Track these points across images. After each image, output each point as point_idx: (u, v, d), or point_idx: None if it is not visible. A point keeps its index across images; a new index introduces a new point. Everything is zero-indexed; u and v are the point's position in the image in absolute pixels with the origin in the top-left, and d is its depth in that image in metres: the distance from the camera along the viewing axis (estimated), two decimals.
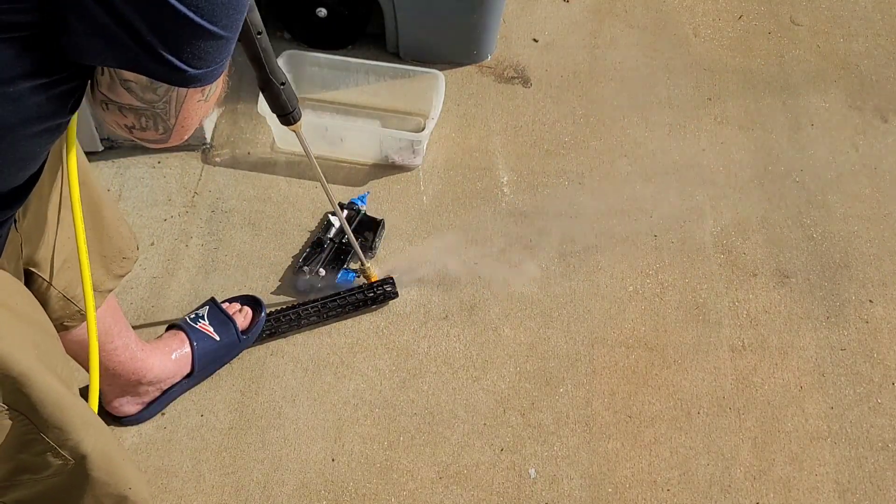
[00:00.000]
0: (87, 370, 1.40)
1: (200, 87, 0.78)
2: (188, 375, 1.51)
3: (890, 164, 1.98)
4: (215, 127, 1.95)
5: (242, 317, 1.59)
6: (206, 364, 1.53)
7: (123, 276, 1.27)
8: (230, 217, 1.81)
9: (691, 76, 2.14)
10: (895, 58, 2.22)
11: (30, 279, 1.06)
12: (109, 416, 1.49)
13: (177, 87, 0.78)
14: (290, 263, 1.73)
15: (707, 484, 1.49)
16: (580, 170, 1.93)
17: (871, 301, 1.74)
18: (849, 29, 2.28)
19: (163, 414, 1.52)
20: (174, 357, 1.49)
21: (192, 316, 1.56)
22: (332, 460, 1.49)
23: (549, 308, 1.70)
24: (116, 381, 1.42)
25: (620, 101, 2.07)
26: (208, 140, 1.92)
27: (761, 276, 1.77)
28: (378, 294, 1.65)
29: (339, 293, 1.66)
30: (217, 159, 1.90)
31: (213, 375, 1.57)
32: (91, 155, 1.87)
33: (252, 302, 1.62)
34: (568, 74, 2.12)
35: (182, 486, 1.45)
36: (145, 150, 1.89)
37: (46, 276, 1.07)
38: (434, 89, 1.90)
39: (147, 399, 1.49)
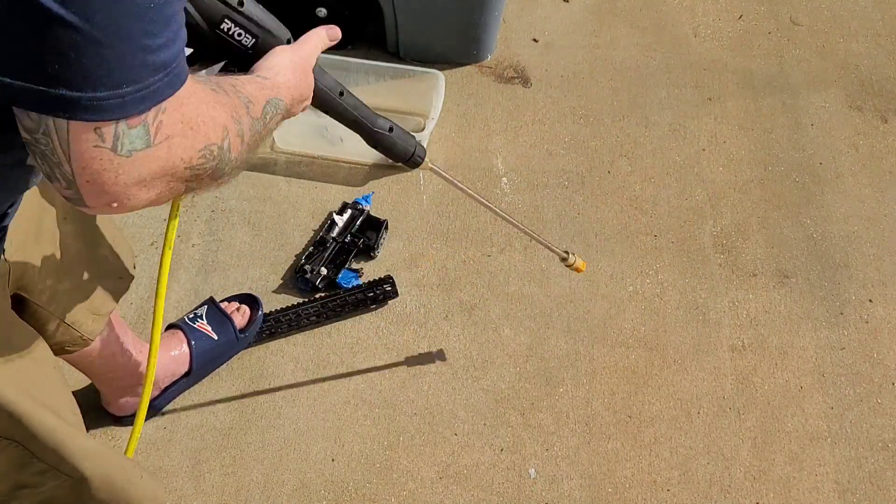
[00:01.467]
0: (93, 381, 1.40)
1: (87, 120, 0.58)
2: (187, 374, 1.52)
3: (890, 164, 1.98)
4: None
5: (241, 315, 1.59)
6: (204, 363, 1.54)
7: (122, 296, 1.24)
8: (230, 217, 1.81)
9: (691, 76, 2.14)
10: (895, 58, 2.22)
11: (25, 305, 1.04)
12: (110, 416, 1.49)
13: (45, 115, 0.58)
14: (290, 263, 1.73)
15: (707, 484, 1.49)
16: (580, 170, 1.93)
17: (871, 301, 1.74)
18: (849, 29, 2.28)
19: (163, 414, 1.52)
20: (172, 355, 1.49)
21: (191, 316, 1.57)
22: (332, 460, 1.49)
23: (549, 308, 1.70)
24: (116, 382, 1.42)
25: (620, 101, 2.07)
26: None
27: (761, 276, 1.77)
28: (378, 294, 1.65)
29: (338, 293, 1.66)
30: None
31: (213, 375, 1.57)
32: None
33: (249, 300, 1.63)
34: (568, 74, 2.12)
35: (182, 486, 1.45)
36: None
37: (42, 303, 1.05)
38: (434, 89, 1.90)
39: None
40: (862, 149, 2.01)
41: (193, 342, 1.51)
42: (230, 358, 1.59)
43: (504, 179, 1.90)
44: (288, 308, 1.63)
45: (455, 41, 2.07)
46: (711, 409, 1.58)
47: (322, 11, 2.00)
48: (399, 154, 1.23)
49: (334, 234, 1.75)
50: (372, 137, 1.19)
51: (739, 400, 1.59)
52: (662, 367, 1.63)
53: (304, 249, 1.75)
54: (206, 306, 1.59)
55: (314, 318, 1.63)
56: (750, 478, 1.50)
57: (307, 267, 1.69)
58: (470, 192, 1.37)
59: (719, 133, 2.02)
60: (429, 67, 1.98)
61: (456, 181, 1.34)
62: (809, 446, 1.54)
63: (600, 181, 1.91)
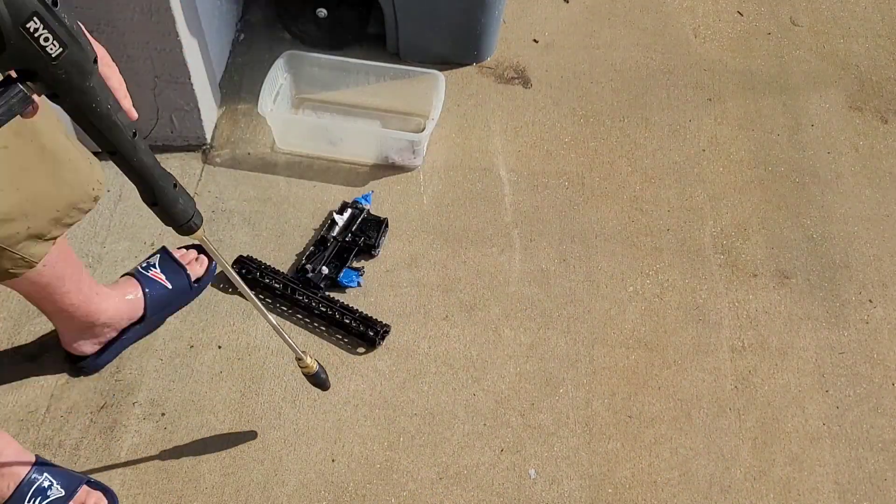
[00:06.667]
0: (42, 310, 1.41)
1: None
2: (141, 319, 1.56)
3: (890, 164, 1.98)
4: (215, 127, 1.95)
5: (198, 265, 1.65)
6: (157, 309, 1.59)
7: (72, 225, 1.20)
8: (230, 217, 1.81)
9: (691, 76, 2.14)
10: (895, 58, 2.22)
11: None
12: (70, 358, 1.53)
13: None
14: (291, 263, 1.73)
15: (707, 484, 1.49)
16: (580, 170, 1.93)
17: (870, 301, 1.74)
18: (849, 29, 2.28)
19: (163, 414, 1.52)
20: (128, 299, 1.54)
21: (144, 265, 1.61)
22: (332, 461, 1.49)
23: (549, 308, 1.70)
24: (72, 322, 1.45)
25: (620, 101, 2.07)
26: (208, 140, 1.92)
27: (761, 277, 1.77)
28: (367, 332, 1.61)
29: (336, 303, 1.64)
30: (217, 159, 1.90)
31: (214, 376, 1.57)
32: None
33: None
34: (568, 75, 2.12)
35: (182, 487, 1.45)
36: None
37: None
38: (434, 90, 1.90)
39: (104, 339, 1.53)
40: (862, 149, 2.01)
41: (147, 290, 1.56)
42: (184, 305, 1.64)
43: (504, 179, 1.90)
44: (288, 279, 1.68)
45: (455, 42, 2.07)
46: (711, 409, 1.58)
47: (322, 12, 2.00)
48: (177, 214, 1.00)
49: (335, 233, 1.75)
50: (152, 188, 0.96)
51: (739, 400, 1.59)
52: (662, 368, 1.63)
53: (305, 249, 1.75)
54: (158, 255, 1.63)
55: (321, 310, 1.63)
56: (750, 478, 1.50)
57: (308, 266, 1.69)
58: (240, 282, 1.17)
59: (719, 133, 2.02)
60: (429, 68, 1.98)
61: (224, 262, 1.14)
62: (809, 447, 1.54)
63: (600, 181, 1.91)
